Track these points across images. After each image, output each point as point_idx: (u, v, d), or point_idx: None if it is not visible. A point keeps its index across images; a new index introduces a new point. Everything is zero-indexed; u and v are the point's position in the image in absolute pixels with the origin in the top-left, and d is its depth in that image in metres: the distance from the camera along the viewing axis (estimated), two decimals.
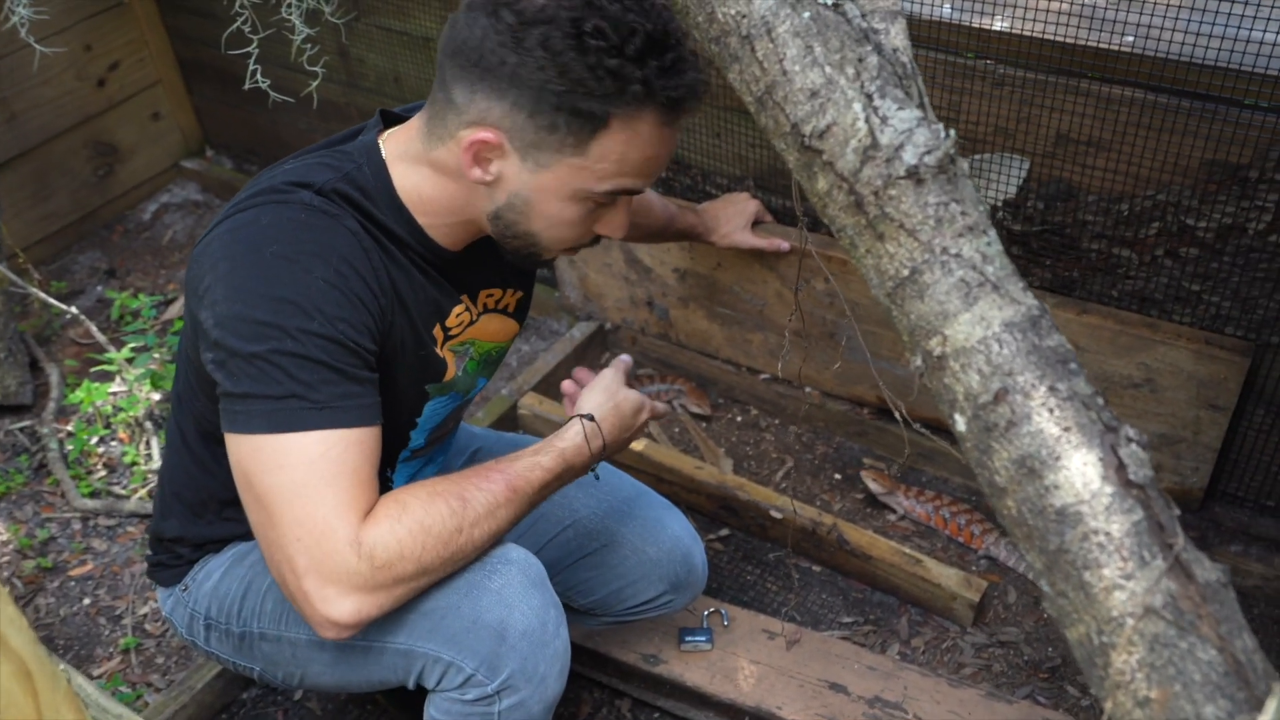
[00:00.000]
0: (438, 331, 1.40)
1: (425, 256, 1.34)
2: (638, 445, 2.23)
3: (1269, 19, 1.68)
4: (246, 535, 1.49)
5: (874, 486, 2.18)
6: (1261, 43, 1.69)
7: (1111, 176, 1.82)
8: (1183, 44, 1.75)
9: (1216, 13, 1.73)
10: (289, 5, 1.76)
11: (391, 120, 1.38)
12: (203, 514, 1.52)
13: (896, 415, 1.09)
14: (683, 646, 1.83)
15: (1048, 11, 1.84)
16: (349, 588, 1.16)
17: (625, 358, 1.55)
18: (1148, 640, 0.72)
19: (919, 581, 1.97)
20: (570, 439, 1.37)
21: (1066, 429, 0.76)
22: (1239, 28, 1.72)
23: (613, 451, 1.43)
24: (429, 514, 1.20)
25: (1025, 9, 1.88)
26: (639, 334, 2.54)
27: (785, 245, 2.15)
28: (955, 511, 2.12)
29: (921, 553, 2.01)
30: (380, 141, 1.31)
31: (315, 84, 1.95)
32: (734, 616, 1.88)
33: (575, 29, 1.14)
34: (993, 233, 0.82)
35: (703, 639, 1.82)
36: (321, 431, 1.18)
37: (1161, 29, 1.72)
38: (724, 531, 2.20)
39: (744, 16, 0.87)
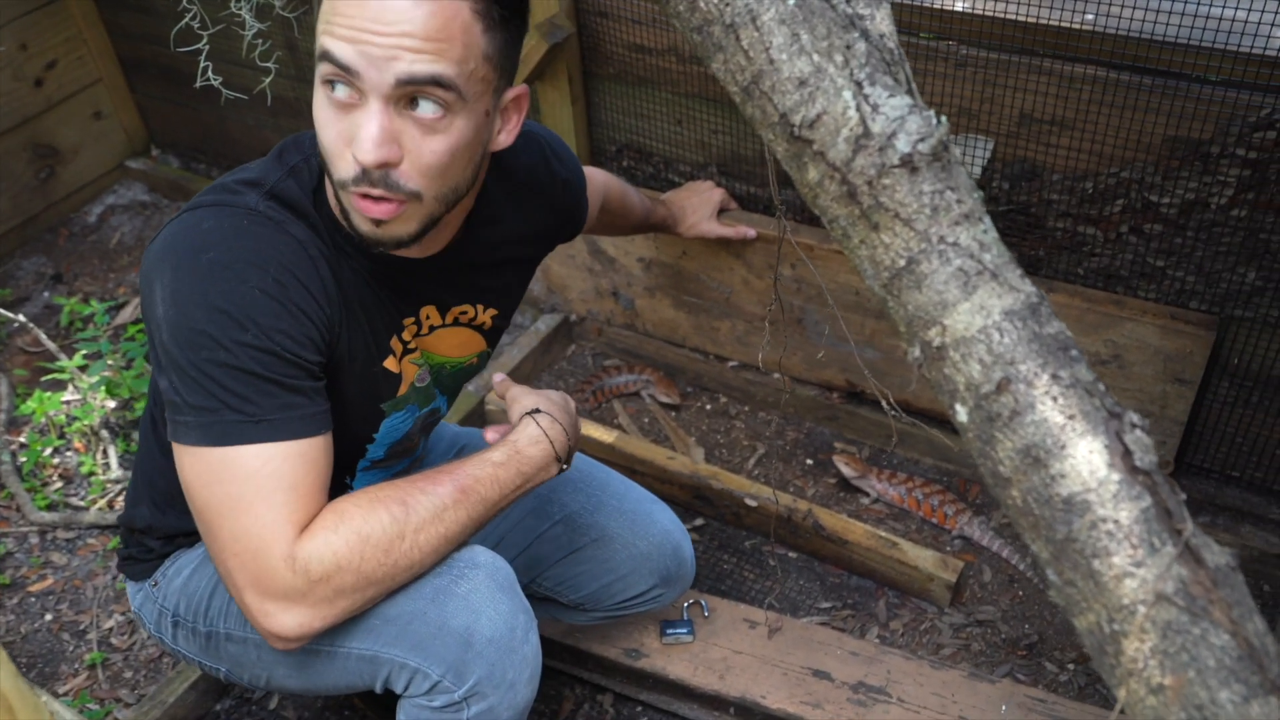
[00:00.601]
0: (395, 343, 1.36)
1: (387, 262, 1.29)
2: (608, 437, 2.21)
3: None
4: None
5: (846, 470, 2.18)
6: (1220, 18, 1.70)
7: (1075, 155, 1.83)
8: (1143, 20, 1.76)
9: None
10: (238, 0, 1.71)
11: None
12: (173, 504, 1.47)
13: (883, 402, 1.08)
14: (664, 639, 1.81)
15: None
16: (287, 602, 1.16)
17: (499, 375, 1.52)
18: (1160, 627, 0.71)
19: (895, 564, 1.97)
20: (520, 431, 1.35)
21: (1071, 417, 0.76)
22: (1198, 3, 1.74)
23: (575, 440, 1.40)
24: (368, 522, 1.18)
25: None
26: (604, 325, 2.52)
27: (752, 233, 2.14)
28: (928, 493, 2.13)
29: (896, 535, 2.02)
30: None
31: (268, 80, 1.90)
32: (714, 607, 1.87)
33: None
34: (988, 220, 0.81)
35: (684, 631, 1.81)
36: (257, 445, 1.15)
37: (1122, 6, 1.72)
38: (699, 521, 2.19)
39: (728, 4, 0.85)
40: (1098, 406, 0.76)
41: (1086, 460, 0.74)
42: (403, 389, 1.39)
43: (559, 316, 2.54)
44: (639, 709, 1.88)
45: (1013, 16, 1.81)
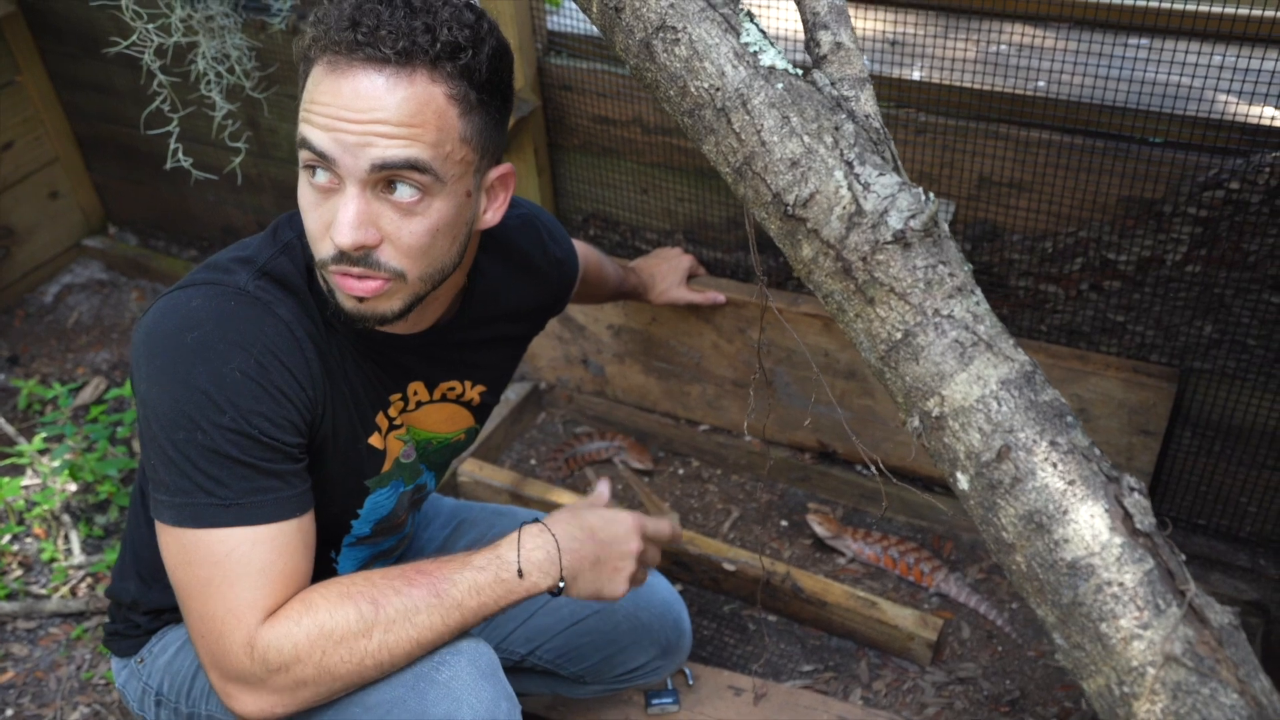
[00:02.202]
0: (381, 419, 1.35)
1: (377, 340, 1.30)
2: None
3: (1160, 60, 1.76)
4: None
5: (820, 530, 2.19)
6: (1157, 83, 1.77)
7: (1034, 216, 1.88)
8: (1090, 87, 1.82)
9: (1114, 57, 1.82)
10: (208, 81, 1.72)
11: None
12: (159, 578, 1.45)
13: (872, 468, 1.09)
14: (650, 710, 1.80)
15: (959, 60, 1.91)
16: (246, 687, 1.17)
17: (603, 488, 1.48)
18: (1170, 688, 0.73)
19: (876, 624, 1.98)
20: (506, 540, 1.30)
21: (1071, 482, 0.77)
22: (1134, 70, 1.81)
23: (573, 567, 1.31)
24: (333, 616, 1.17)
25: (937, 58, 1.95)
26: (574, 392, 2.52)
27: (721, 298, 2.16)
28: (904, 551, 2.14)
29: (874, 594, 2.03)
30: None
31: (238, 160, 1.91)
32: (698, 674, 1.86)
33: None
34: (979, 292, 0.84)
35: (669, 700, 1.80)
36: (226, 529, 1.15)
37: (1066, 74, 1.79)
38: (678, 587, 2.18)
39: (718, 90, 0.88)
40: (1095, 471, 0.78)
41: (1089, 524, 0.76)
42: (387, 465, 1.38)
43: (528, 385, 2.54)
44: None
45: (968, 85, 1.87)
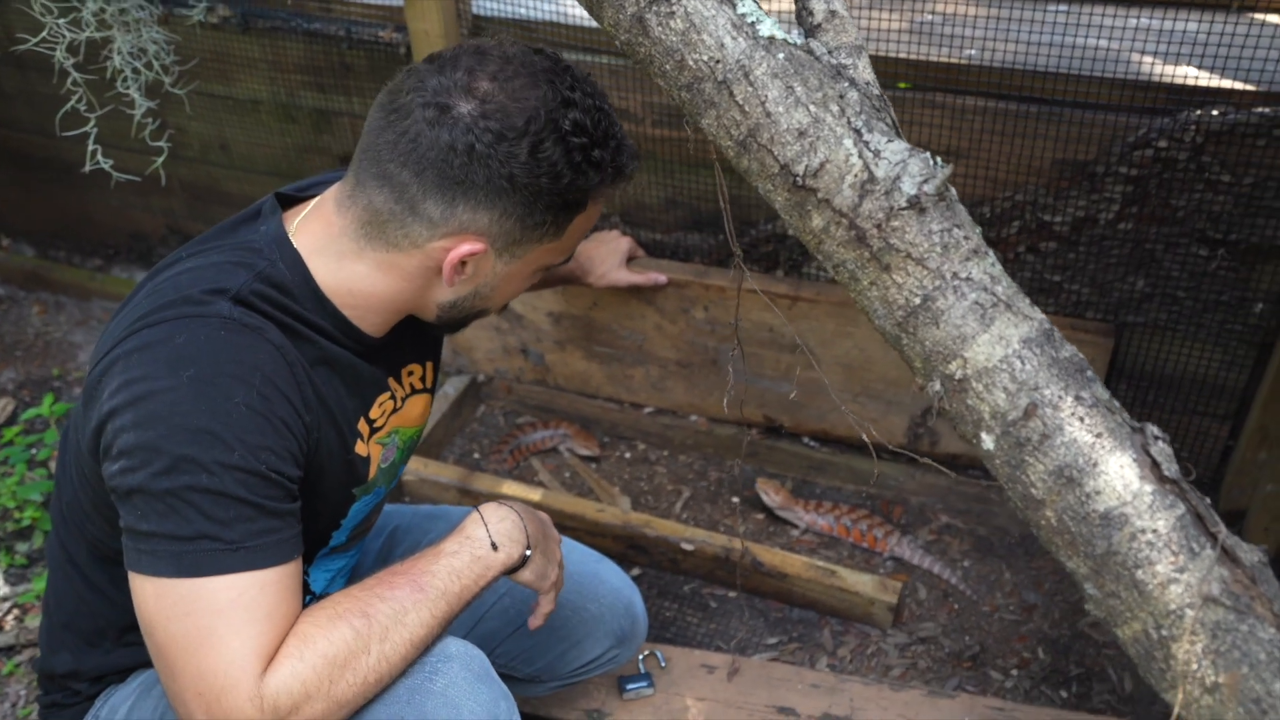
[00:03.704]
0: (362, 425, 1.31)
1: (351, 347, 1.26)
2: (533, 495, 2.18)
3: (1089, 25, 1.82)
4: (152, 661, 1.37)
5: (770, 499, 2.20)
6: (1086, 47, 1.82)
7: (971, 182, 1.91)
8: (1017, 53, 1.86)
9: (1038, 23, 1.86)
10: (124, 79, 1.63)
11: (286, 200, 1.30)
12: (99, 643, 1.38)
13: (865, 438, 1.10)
14: (625, 695, 1.79)
15: (891, 31, 1.93)
16: None
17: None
18: (1209, 628, 0.75)
19: (836, 592, 2.00)
20: (469, 519, 1.30)
21: (1098, 435, 0.79)
22: (1064, 35, 1.86)
23: (535, 536, 1.34)
24: (332, 642, 1.12)
25: (869, 30, 1.97)
26: (514, 382, 2.49)
27: (663, 278, 2.16)
28: (856, 519, 2.17)
29: (831, 563, 2.05)
30: (289, 232, 1.23)
31: (161, 160, 1.82)
32: (669, 656, 1.86)
33: (557, 129, 1.14)
34: (993, 253, 0.84)
35: (644, 684, 1.79)
36: (235, 575, 1.09)
37: (995, 41, 1.83)
38: (635, 571, 2.17)
39: (718, 62, 0.87)
40: (1120, 423, 0.80)
41: (1119, 475, 0.78)
42: (372, 472, 1.34)
43: (466, 378, 2.50)
44: None
45: (901, 55, 1.89)
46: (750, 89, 0.86)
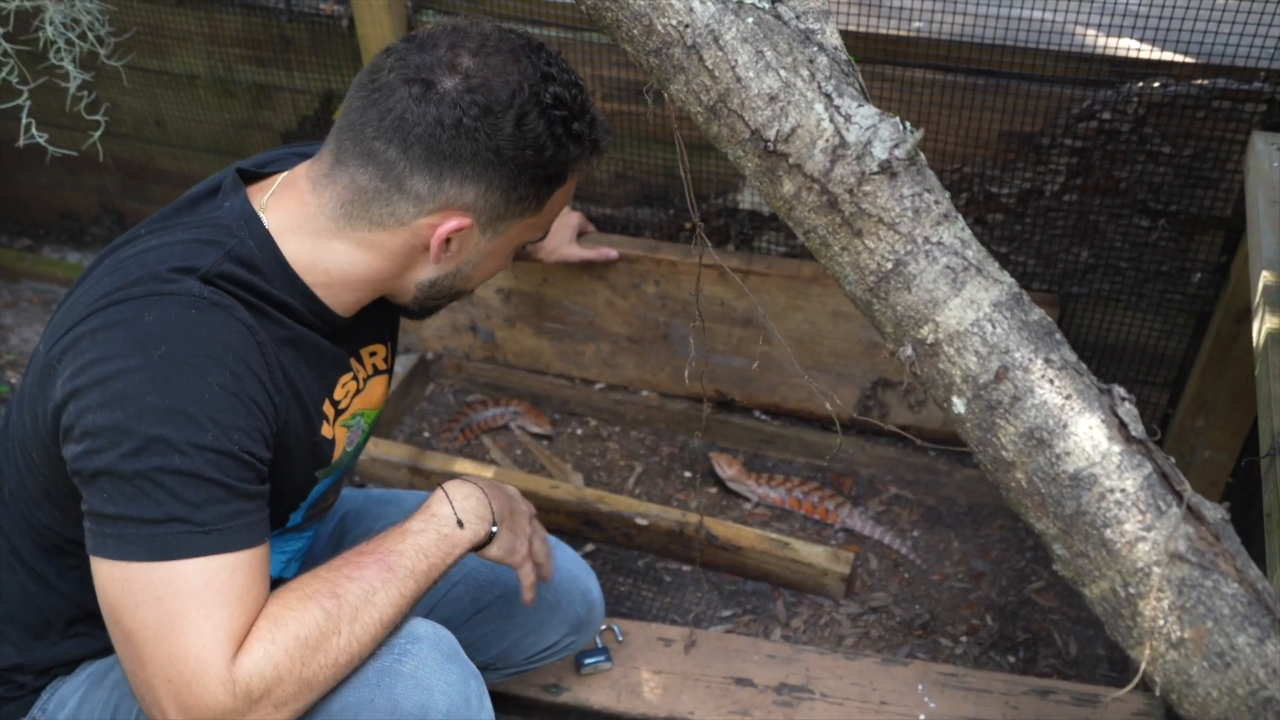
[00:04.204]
0: (327, 408, 1.29)
1: (319, 327, 1.24)
2: (485, 473, 2.16)
3: None
4: (102, 652, 1.33)
5: (725, 472, 2.21)
6: (1029, 19, 1.84)
7: None
8: (963, 25, 1.88)
9: None
10: (58, 50, 1.58)
11: (246, 176, 1.27)
12: (45, 635, 1.34)
13: (828, 408, 1.10)
14: (582, 670, 1.79)
15: (838, 3, 1.93)
16: None
17: None
18: (1175, 585, 0.76)
19: (789, 564, 2.02)
20: (434, 497, 1.30)
21: (1068, 397, 0.80)
22: (1009, 8, 1.88)
23: (501, 512, 1.34)
24: (303, 624, 1.10)
25: None
26: (463, 360, 2.47)
27: (614, 253, 2.15)
28: (807, 491, 2.19)
29: (784, 535, 2.07)
30: (258, 209, 1.20)
31: (98, 134, 1.76)
32: (626, 630, 1.86)
33: (540, 102, 1.15)
34: (961, 218, 0.85)
35: (602, 659, 1.79)
36: (207, 558, 1.07)
37: (940, 14, 1.84)
38: (589, 546, 2.17)
39: (687, 26, 0.86)
40: (1088, 385, 0.81)
41: (1088, 436, 0.79)
42: (336, 454, 1.32)
43: (415, 356, 2.47)
44: None
45: (850, 28, 1.90)
46: (720, 53, 0.85)
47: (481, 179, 1.17)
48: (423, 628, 1.24)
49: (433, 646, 1.22)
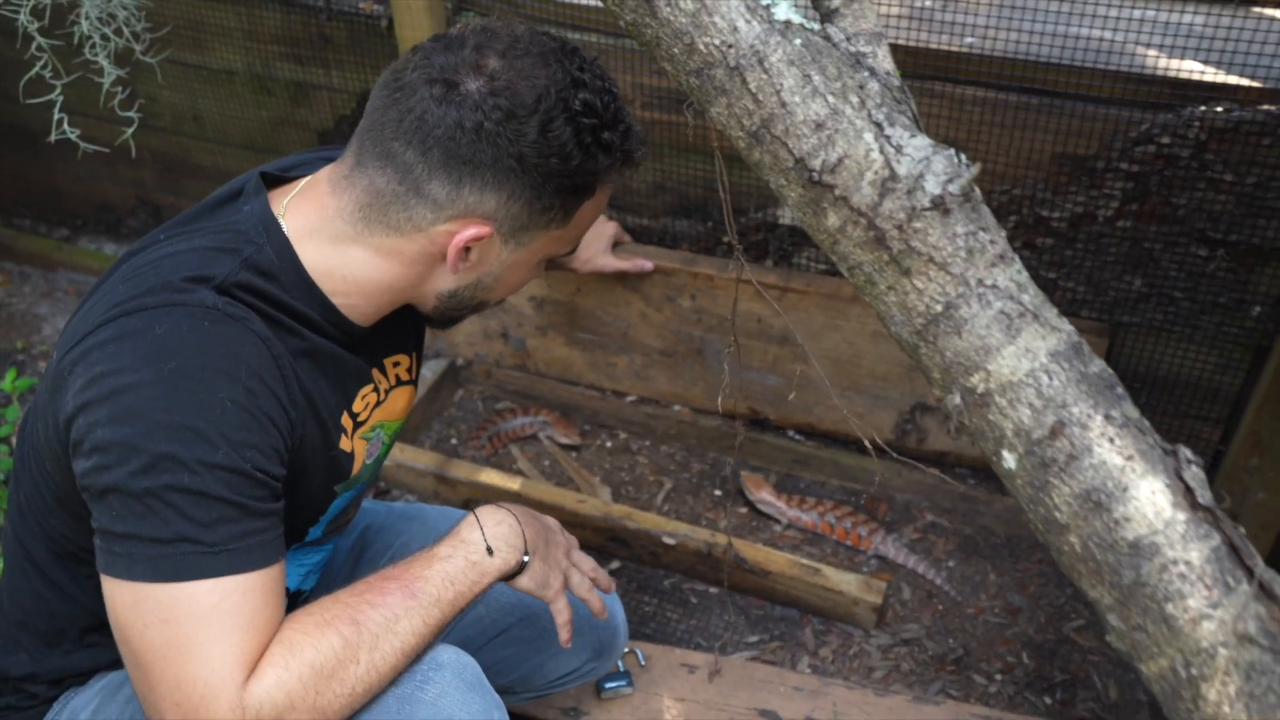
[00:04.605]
0: (346, 420, 1.25)
1: (337, 337, 1.20)
2: (513, 484, 2.12)
3: (1092, 15, 1.77)
4: (116, 663, 1.30)
5: (754, 494, 2.16)
6: (1090, 38, 1.78)
7: None
8: (1018, 43, 1.81)
9: (1039, 11, 1.81)
10: (93, 45, 1.55)
11: (270, 180, 1.23)
12: (58, 643, 1.31)
13: (867, 444, 1.05)
14: (603, 694, 1.74)
15: (887, 16, 1.87)
16: None
17: None
18: (1243, 669, 0.70)
19: (820, 591, 1.96)
20: (464, 523, 1.25)
21: (1129, 458, 0.74)
22: (1066, 25, 1.81)
23: (534, 541, 1.28)
24: (319, 651, 1.07)
25: None
26: (493, 367, 2.43)
27: (649, 265, 2.10)
28: (840, 516, 2.13)
29: (814, 560, 2.01)
30: (277, 214, 1.17)
31: (132, 130, 1.74)
32: (649, 654, 1.81)
33: (567, 108, 1.09)
34: (1018, 259, 0.79)
35: (623, 684, 1.75)
36: (217, 580, 1.03)
37: (994, 29, 1.78)
38: (614, 564, 2.12)
39: (730, 46, 0.81)
40: (1152, 445, 0.75)
41: (1150, 501, 0.73)
42: (356, 468, 1.28)
43: (444, 362, 2.44)
44: None
45: (899, 41, 1.84)
46: (765, 76, 0.80)
47: (503, 187, 1.11)
48: (446, 654, 1.20)
49: (456, 674, 1.18)
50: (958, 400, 0.79)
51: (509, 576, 1.25)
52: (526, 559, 1.25)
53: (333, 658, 1.06)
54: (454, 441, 2.38)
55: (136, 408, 1.01)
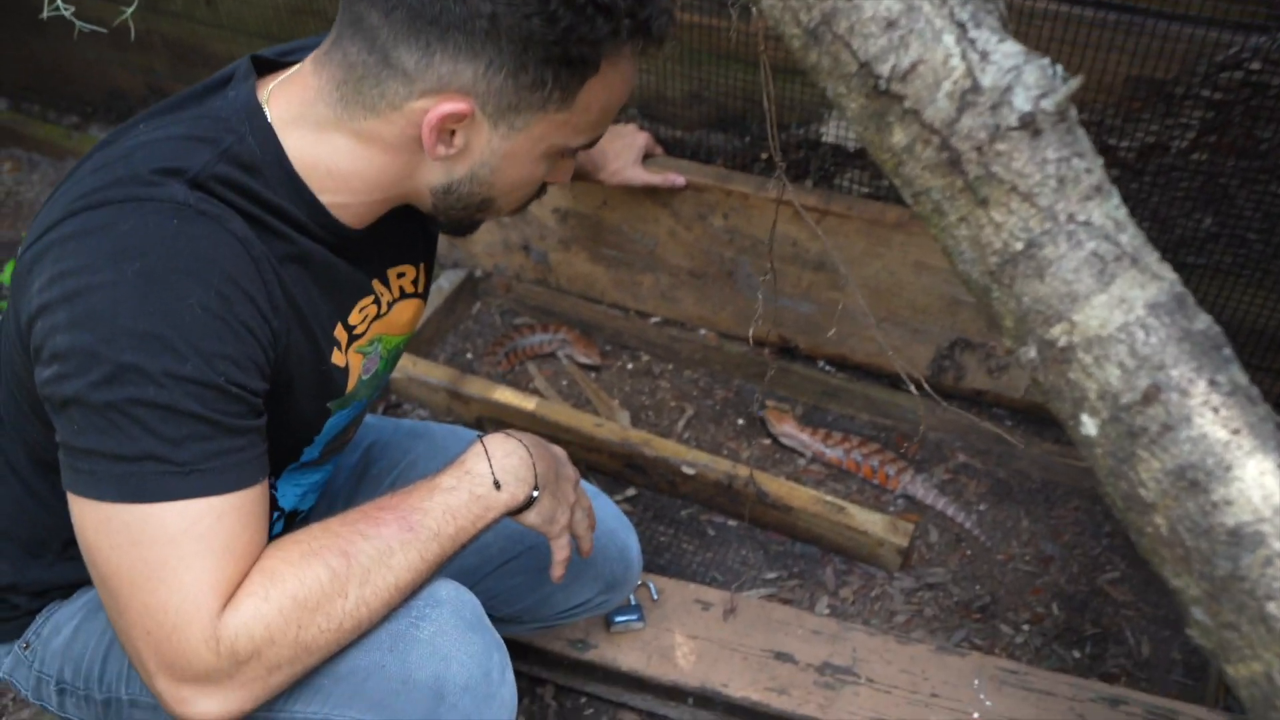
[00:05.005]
0: (340, 332, 1.15)
1: (329, 241, 1.09)
2: (528, 404, 2.04)
3: None
4: None
5: (776, 428, 2.07)
6: None
7: None
8: None
9: None
10: None
11: (264, 67, 1.11)
12: (41, 554, 1.24)
13: (906, 379, 0.95)
14: (613, 628, 1.67)
15: None
16: (208, 686, 0.96)
17: None
18: None
19: (844, 530, 1.88)
20: (471, 451, 1.15)
21: (1235, 431, 0.63)
22: None
23: (545, 475, 1.19)
24: (303, 583, 0.98)
25: None
26: (513, 280, 2.33)
27: (681, 180, 1.98)
28: (868, 453, 2.03)
29: (839, 497, 1.92)
30: (262, 100, 1.05)
31: (130, 10, 1.62)
32: (662, 588, 1.74)
33: None
34: (1116, 193, 0.68)
35: (634, 618, 1.68)
36: (186, 501, 0.94)
37: None
38: (630, 491, 2.04)
39: None
40: (1263, 417, 0.64)
41: (1258, 484, 0.62)
42: (351, 384, 1.19)
43: (463, 272, 2.34)
44: (584, 700, 1.74)
45: None
46: None
47: (479, 54, 0.96)
48: (445, 590, 1.12)
49: (454, 612, 1.10)
50: (1033, 354, 0.68)
51: (516, 511, 1.16)
52: (536, 494, 1.16)
53: (318, 590, 0.98)
54: (469, 356, 2.29)
55: (97, 311, 0.92)
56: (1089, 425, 0.67)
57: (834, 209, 1.90)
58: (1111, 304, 0.65)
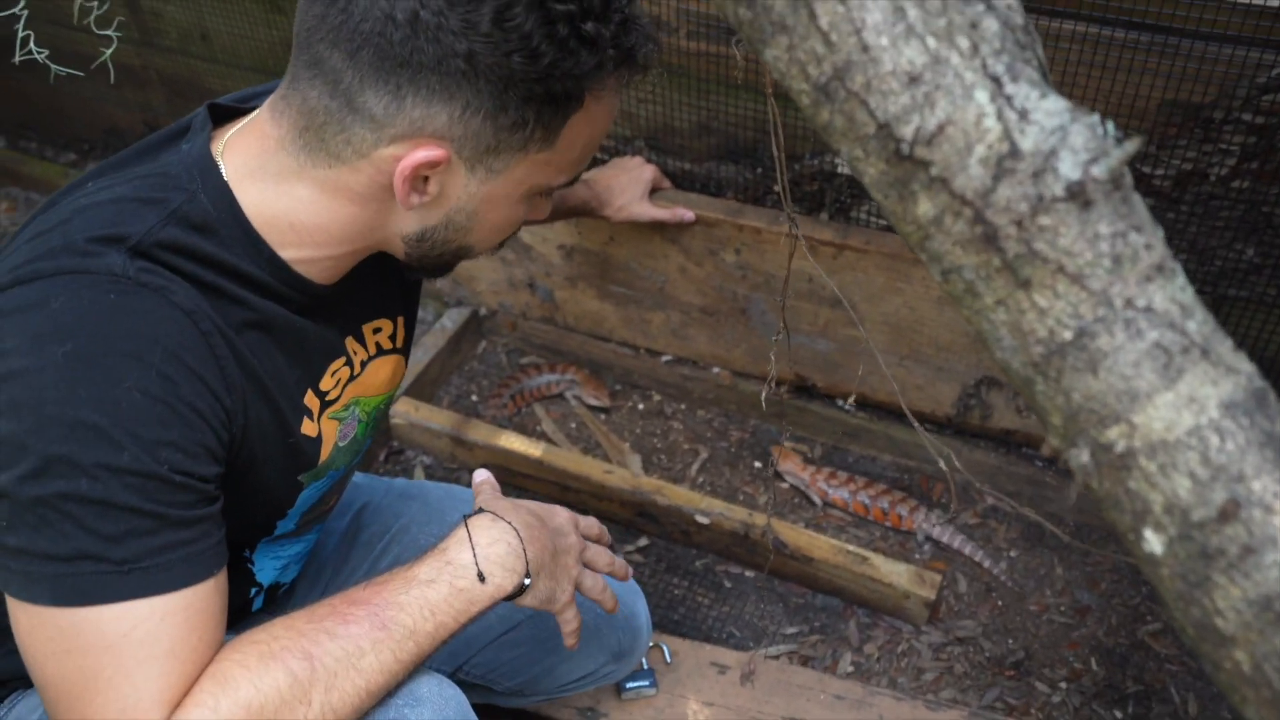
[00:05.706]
0: (310, 400, 1.07)
1: (295, 301, 1.01)
2: (535, 450, 1.95)
3: None
4: None
5: (782, 466, 1.98)
6: None
7: None
8: None
9: None
10: None
11: (223, 115, 1.03)
12: (3, 642, 1.16)
13: (913, 423, 0.86)
14: (624, 695, 1.58)
15: None
16: None
17: (480, 473, 1.21)
18: None
19: (867, 581, 1.78)
20: (454, 537, 1.05)
21: None
22: None
23: (538, 560, 1.08)
24: (259, 689, 0.89)
25: None
26: (519, 318, 2.24)
27: (689, 215, 1.89)
28: (875, 494, 1.93)
29: (862, 546, 1.82)
30: (216, 153, 0.97)
31: (110, 51, 1.55)
32: (676, 650, 1.64)
33: None
34: (1180, 271, 0.58)
35: (646, 683, 1.58)
36: (126, 603, 0.86)
37: None
38: (642, 541, 1.95)
39: None
40: None
41: None
42: (324, 454, 1.10)
43: (467, 311, 2.25)
44: None
45: None
46: (842, 9, 0.59)
47: (455, 96, 0.88)
48: (426, 687, 1.02)
49: (436, 712, 1.01)
50: (1085, 458, 0.58)
51: (509, 598, 1.07)
52: (528, 581, 1.07)
53: (275, 697, 0.89)
54: (474, 398, 2.21)
55: (22, 400, 0.84)
56: (1153, 542, 0.58)
57: (851, 243, 1.81)
58: (1179, 403, 0.55)
